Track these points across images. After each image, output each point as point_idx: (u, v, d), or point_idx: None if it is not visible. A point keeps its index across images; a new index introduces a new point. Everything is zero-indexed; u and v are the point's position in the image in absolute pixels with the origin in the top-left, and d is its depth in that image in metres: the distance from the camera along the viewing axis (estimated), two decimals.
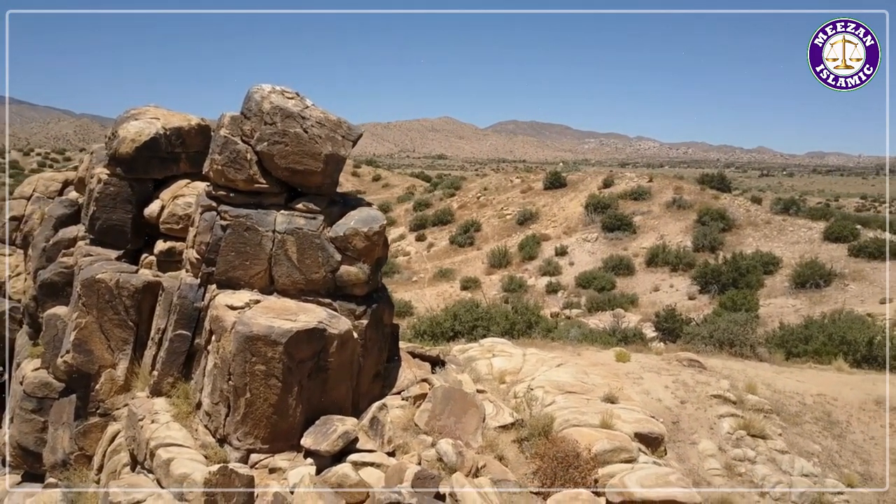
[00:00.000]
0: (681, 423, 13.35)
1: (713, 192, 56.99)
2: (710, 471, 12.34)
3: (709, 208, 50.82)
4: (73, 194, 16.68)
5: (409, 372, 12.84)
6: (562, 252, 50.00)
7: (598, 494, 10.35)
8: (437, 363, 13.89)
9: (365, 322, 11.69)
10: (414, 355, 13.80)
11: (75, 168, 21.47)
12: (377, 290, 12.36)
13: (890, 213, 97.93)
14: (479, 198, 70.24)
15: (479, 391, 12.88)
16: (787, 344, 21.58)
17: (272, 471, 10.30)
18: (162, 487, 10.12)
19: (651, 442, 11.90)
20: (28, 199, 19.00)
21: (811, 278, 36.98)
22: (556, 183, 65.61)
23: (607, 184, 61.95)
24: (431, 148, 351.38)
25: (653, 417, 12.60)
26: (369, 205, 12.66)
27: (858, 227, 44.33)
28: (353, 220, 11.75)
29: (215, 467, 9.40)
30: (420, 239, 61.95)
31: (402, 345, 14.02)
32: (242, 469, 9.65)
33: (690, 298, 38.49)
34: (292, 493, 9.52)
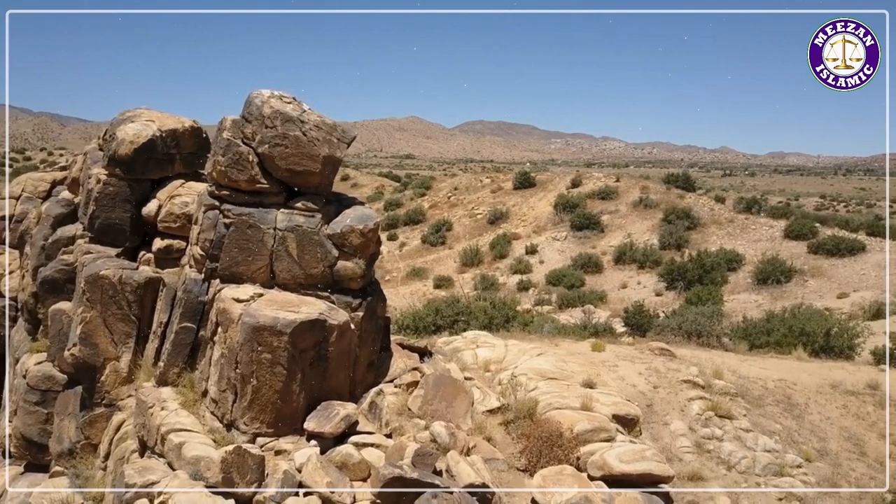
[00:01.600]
0: (654, 405, 14.35)
1: (678, 191, 58.69)
2: (681, 448, 13.36)
3: (674, 207, 52.37)
4: (65, 194, 17.08)
5: (401, 361, 13.59)
6: (532, 251, 51.15)
7: (580, 470, 11.25)
8: (424, 354, 14.65)
9: (361, 314, 12.42)
10: (403, 346, 14.54)
11: (61, 168, 21.82)
12: (371, 284, 13.11)
13: (847, 211, 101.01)
14: (449, 197, 71.20)
15: (466, 378, 13.72)
16: (751, 336, 22.74)
17: (278, 453, 11.00)
18: (173, 470, 10.77)
19: (627, 423, 12.83)
20: (17, 199, 19.37)
21: (772, 275, 38.48)
22: (525, 183, 66.92)
23: (575, 184, 63.36)
24: (399, 147, 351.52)
25: (628, 401, 13.55)
26: (362, 203, 13.44)
27: (817, 225, 46.12)
28: (348, 218, 12.48)
29: (230, 447, 10.09)
30: (392, 238, 62.67)
31: (391, 337, 14.77)
32: (254, 449, 10.37)
33: (657, 295, 39.76)
34: (300, 470, 10.25)
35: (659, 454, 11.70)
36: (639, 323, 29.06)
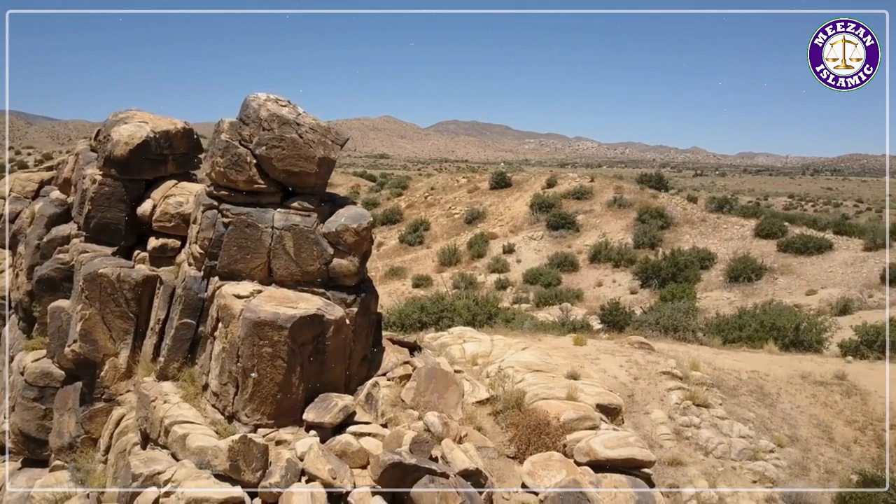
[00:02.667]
0: (635, 396, 15.03)
1: (651, 191, 59.65)
2: (661, 435, 14.04)
3: (648, 207, 53.27)
4: (56, 194, 17.33)
5: (392, 356, 14.08)
6: (509, 250, 51.76)
7: (567, 456, 11.87)
8: (414, 349, 15.16)
9: (355, 310, 12.90)
10: (393, 342, 15.04)
11: (48, 168, 22.00)
12: (364, 280, 13.59)
13: (815, 210, 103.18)
14: (426, 197, 71.64)
15: (456, 371, 14.26)
16: (724, 331, 23.50)
17: (279, 443, 11.44)
18: (177, 460, 11.16)
19: (610, 412, 13.47)
20: (5, 199, 19.55)
21: (744, 272, 39.42)
22: (501, 183, 67.54)
23: (551, 184, 64.08)
24: (373, 147, 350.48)
25: (611, 391, 14.20)
26: (355, 203, 13.92)
27: (786, 224, 47.23)
28: (343, 218, 12.95)
29: (237, 436, 10.52)
30: None
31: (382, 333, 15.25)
32: (259, 439, 10.81)
33: (632, 292, 40.54)
34: (301, 459, 10.70)
35: (641, 441, 12.37)
36: (615, 320, 29.75)
